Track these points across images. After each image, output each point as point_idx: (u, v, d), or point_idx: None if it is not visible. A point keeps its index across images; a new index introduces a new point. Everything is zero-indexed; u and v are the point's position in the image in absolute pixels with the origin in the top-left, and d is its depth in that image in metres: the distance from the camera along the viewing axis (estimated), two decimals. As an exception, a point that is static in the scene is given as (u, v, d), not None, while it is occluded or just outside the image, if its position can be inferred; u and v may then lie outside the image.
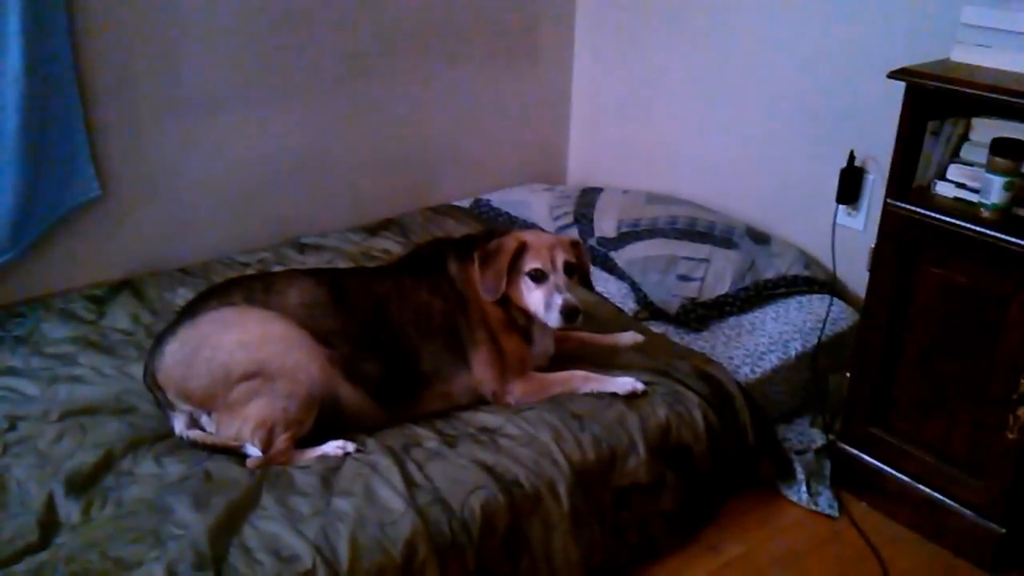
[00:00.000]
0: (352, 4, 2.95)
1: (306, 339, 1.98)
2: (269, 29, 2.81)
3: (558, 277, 2.14)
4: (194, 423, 1.97)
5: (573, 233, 3.01)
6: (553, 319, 2.11)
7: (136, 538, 1.67)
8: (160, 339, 2.03)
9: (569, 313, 2.09)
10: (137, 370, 2.14)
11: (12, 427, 2.00)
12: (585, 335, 2.47)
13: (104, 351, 2.33)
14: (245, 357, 1.92)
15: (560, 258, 2.15)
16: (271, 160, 2.97)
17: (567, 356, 2.34)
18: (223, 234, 2.93)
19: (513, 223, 3.18)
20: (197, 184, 2.83)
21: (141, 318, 2.50)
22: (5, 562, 1.63)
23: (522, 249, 2.15)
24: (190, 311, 2.04)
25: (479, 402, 2.20)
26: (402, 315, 2.12)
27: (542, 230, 2.88)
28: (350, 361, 2.03)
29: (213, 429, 1.96)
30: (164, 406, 1.99)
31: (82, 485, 1.82)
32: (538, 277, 2.14)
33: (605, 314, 2.65)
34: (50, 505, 1.77)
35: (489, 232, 2.32)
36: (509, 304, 2.18)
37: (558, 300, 2.10)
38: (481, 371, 2.16)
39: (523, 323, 2.21)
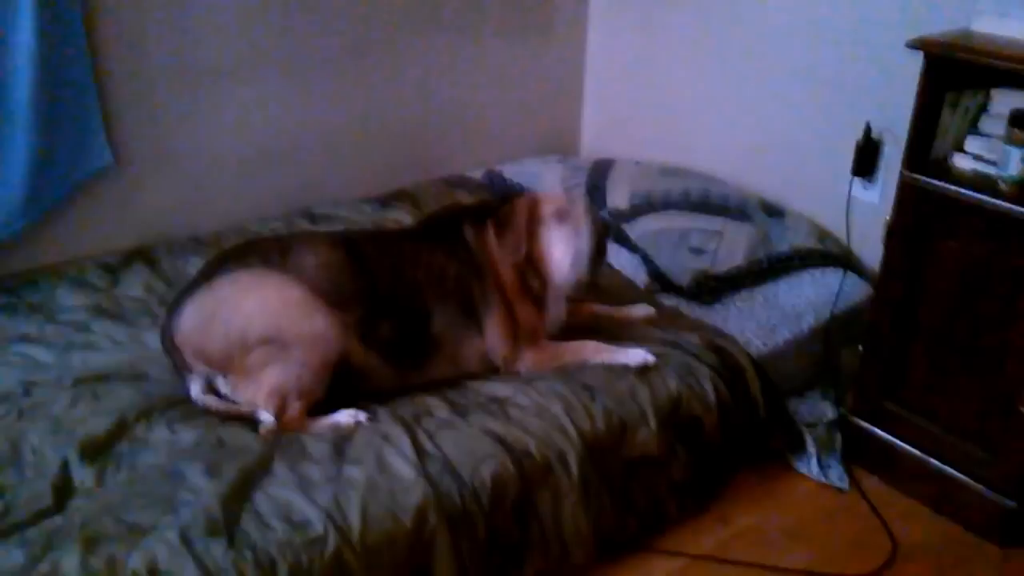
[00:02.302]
0: (366, -26, 2.94)
1: (322, 305, 1.98)
2: (282, 0, 2.79)
3: (580, 212, 2.15)
4: (210, 387, 1.98)
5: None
6: (584, 246, 2.10)
7: (149, 503, 1.69)
8: (177, 301, 2.04)
9: (600, 237, 2.14)
10: (150, 338, 2.16)
11: (27, 393, 2.01)
12: (597, 307, 2.47)
13: (117, 319, 2.34)
14: (262, 322, 1.93)
15: (579, 199, 2.19)
16: (284, 130, 2.96)
17: (579, 328, 2.34)
18: (235, 203, 2.92)
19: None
20: (210, 153, 2.83)
21: (154, 286, 2.51)
22: (20, 525, 1.65)
23: (535, 204, 2.16)
24: (207, 273, 2.05)
25: (490, 371, 2.20)
26: (417, 277, 2.12)
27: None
28: (364, 323, 2.03)
29: (229, 391, 1.97)
30: (181, 368, 2.00)
31: (96, 451, 1.83)
32: (562, 216, 2.15)
33: (617, 287, 2.65)
34: (64, 470, 1.79)
35: (504, 199, 2.32)
36: (525, 270, 2.18)
37: (585, 229, 2.12)
38: (493, 336, 2.17)
39: (538, 290, 2.21)
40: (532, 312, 2.21)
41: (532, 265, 2.19)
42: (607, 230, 2.29)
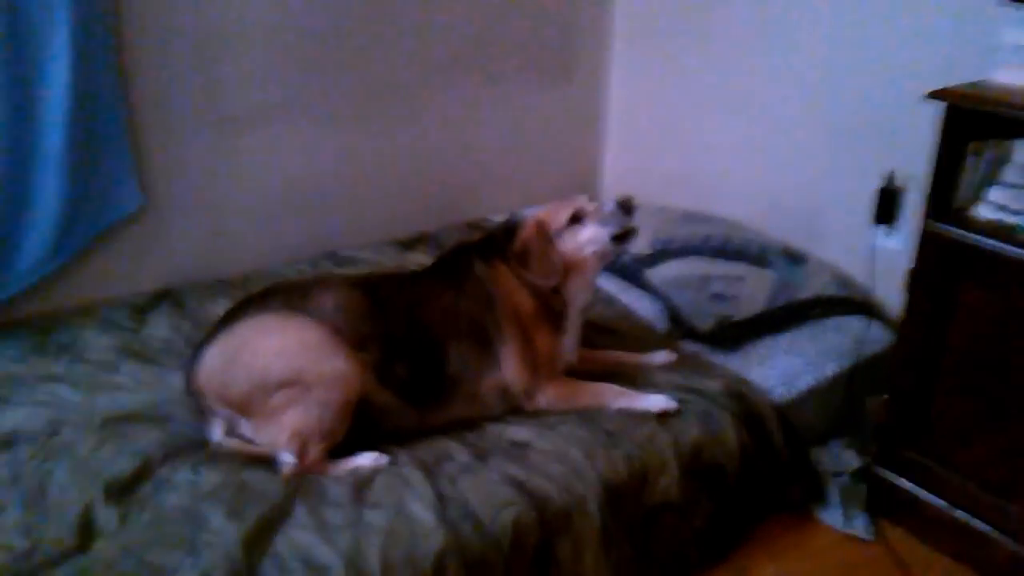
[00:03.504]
0: (391, 23, 3.00)
1: (342, 346, 2.00)
2: (308, 47, 2.85)
3: (594, 206, 2.22)
4: (231, 431, 2.00)
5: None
6: (616, 217, 2.18)
7: (172, 545, 1.70)
8: (200, 345, 2.06)
9: (626, 204, 2.19)
10: (176, 379, 2.17)
11: (55, 433, 2.03)
12: (616, 354, 2.48)
13: (144, 360, 2.37)
14: (283, 364, 1.95)
15: (584, 202, 2.23)
16: (309, 174, 3.01)
17: (600, 375, 2.34)
18: (262, 247, 2.97)
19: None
20: (238, 197, 2.88)
21: (181, 328, 2.54)
22: (44, 565, 1.66)
23: (542, 223, 2.20)
24: (230, 318, 2.08)
25: (509, 412, 2.20)
26: (432, 317, 2.14)
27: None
28: (383, 363, 2.04)
29: (251, 434, 1.99)
30: (203, 412, 2.02)
31: (121, 492, 1.85)
32: (578, 218, 2.20)
33: (638, 332, 2.65)
34: (89, 511, 1.80)
35: (506, 226, 2.33)
36: (542, 292, 2.20)
37: (610, 206, 2.18)
38: (511, 369, 2.17)
39: (559, 308, 2.23)
40: (550, 339, 2.22)
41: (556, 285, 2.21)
42: (629, 201, 2.26)
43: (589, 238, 2.19)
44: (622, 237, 2.20)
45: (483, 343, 2.16)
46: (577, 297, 2.28)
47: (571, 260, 2.21)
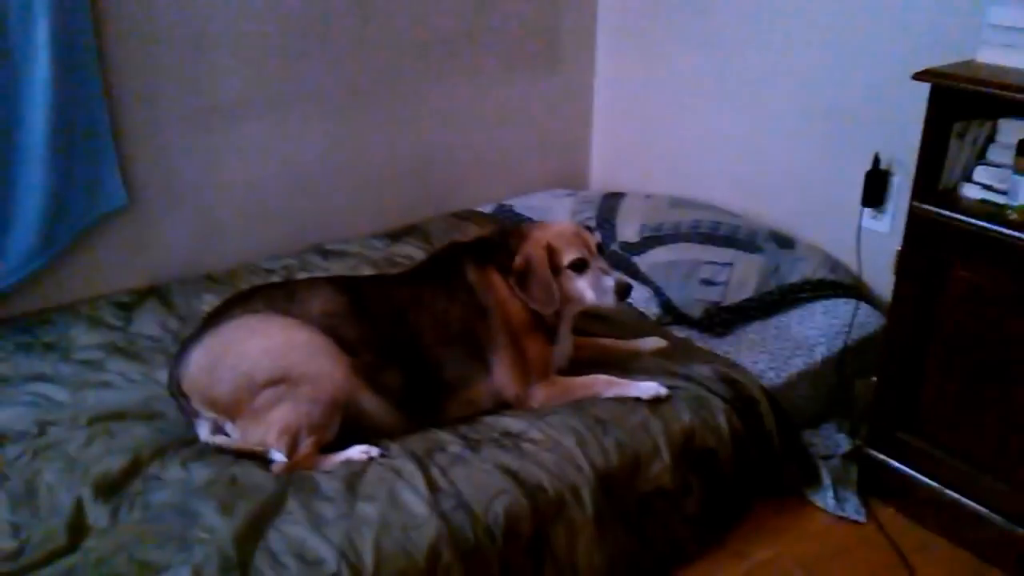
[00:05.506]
0: (376, 14, 2.98)
1: (330, 345, 1.99)
2: (292, 38, 2.84)
3: (598, 261, 2.19)
4: (218, 429, 1.99)
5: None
6: (608, 300, 2.16)
7: (163, 542, 1.69)
8: (184, 347, 2.04)
9: (623, 291, 2.15)
10: (164, 376, 2.16)
11: (42, 432, 2.02)
12: (607, 341, 2.47)
13: (132, 357, 2.35)
14: (269, 364, 1.93)
15: (592, 242, 2.21)
16: (296, 167, 2.99)
17: (590, 362, 2.34)
18: (249, 241, 2.95)
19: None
20: (223, 192, 2.86)
21: (168, 324, 2.53)
22: (34, 565, 1.65)
23: (551, 250, 2.16)
24: (214, 319, 2.06)
25: (502, 406, 2.20)
26: (421, 324, 2.12)
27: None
28: (372, 369, 2.03)
29: (237, 436, 1.98)
30: (189, 413, 2.01)
31: (110, 489, 1.84)
32: (580, 267, 2.17)
33: (628, 319, 2.65)
34: (79, 509, 1.79)
35: (502, 232, 2.32)
36: None
37: (610, 282, 2.15)
38: (503, 376, 2.16)
39: (553, 321, 2.21)
40: (542, 346, 2.21)
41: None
42: (627, 289, 2.23)
43: (579, 290, 2.18)
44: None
45: (476, 351, 2.15)
46: (570, 314, 2.27)
47: (567, 294, 2.20)
